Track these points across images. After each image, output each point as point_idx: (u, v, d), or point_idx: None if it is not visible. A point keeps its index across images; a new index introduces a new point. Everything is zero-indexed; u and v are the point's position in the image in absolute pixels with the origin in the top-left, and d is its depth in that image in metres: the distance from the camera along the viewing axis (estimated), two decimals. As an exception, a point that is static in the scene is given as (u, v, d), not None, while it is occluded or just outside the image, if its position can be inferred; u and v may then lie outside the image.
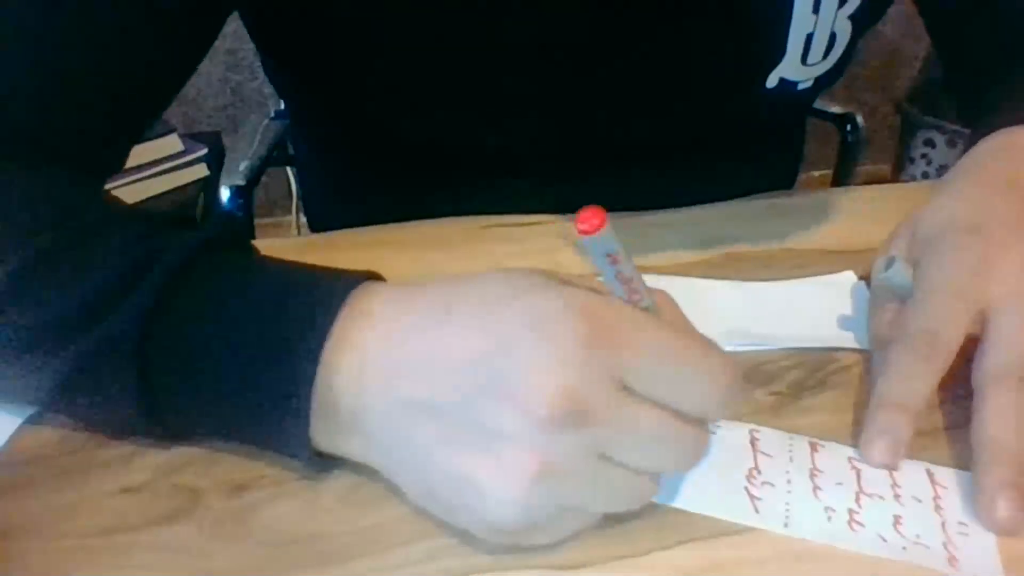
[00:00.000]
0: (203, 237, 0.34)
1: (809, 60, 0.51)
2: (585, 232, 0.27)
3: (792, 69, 0.51)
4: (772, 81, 0.52)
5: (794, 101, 0.54)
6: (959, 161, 0.46)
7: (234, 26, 0.51)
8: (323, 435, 0.32)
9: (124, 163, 0.49)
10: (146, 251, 0.33)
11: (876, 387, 0.36)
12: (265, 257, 0.36)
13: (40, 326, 0.32)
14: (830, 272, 0.47)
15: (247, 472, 0.34)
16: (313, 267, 0.34)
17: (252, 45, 0.55)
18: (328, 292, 0.32)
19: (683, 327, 0.32)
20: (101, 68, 0.43)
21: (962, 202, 0.42)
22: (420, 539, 0.31)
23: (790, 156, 0.73)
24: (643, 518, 0.32)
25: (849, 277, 0.47)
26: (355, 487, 0.33)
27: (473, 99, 0.52)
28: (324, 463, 0.33)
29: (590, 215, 0.27)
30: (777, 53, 0.51)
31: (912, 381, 0.35)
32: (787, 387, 0.39)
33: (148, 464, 0.35)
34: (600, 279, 0.30)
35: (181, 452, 0.35)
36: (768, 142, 0.66)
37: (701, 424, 0.30)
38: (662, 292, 0.32)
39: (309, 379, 0.30)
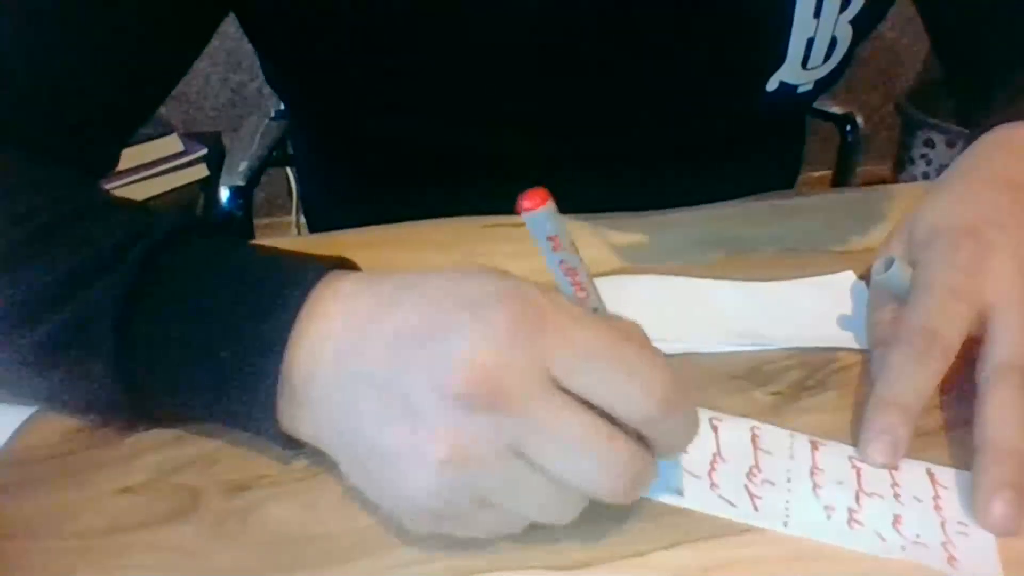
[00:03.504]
0: (187, 219, 0.35)
1: (809, 64, 0.51)
2: (526, 209, 0.27)
3: (792, 73, 0.51)
4: (772, 85, 0.52)
5: (794, 104, 0.54)
6: (956, 159, 0.46)
7: (234, 26, 0.51)
8: (284, 413, 0.32)
9: (116, 163, 0.49)
10: (131, 231, 0.34)
11: (875, 387, 0.36)
12: (245, 241, 0.37)
13: (25, 298, 0.33)
14: (830, 272, 0.47)
15: (247, 472, 0.34)
16: (289, 251, 0.35)
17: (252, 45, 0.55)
18: (301, 272, 0.33)
19: (631, 333, 0.30)
20: (93, 68, 0.43)
21: (958, 202, 0.42)
22: (420, 539, 0.31)
23: (790, 157, 0.73)
24: (643, 518, 0.32)
25: (849, 277, 0.47)
26: (355, 487, 0.33)
27: (473, 103, 0.52)
28: (294, 445, 0.33)
29: (533, 194, 0.27)
30: (778, 58, 0.51)
31: (911, 381, 0.35)
32: (787, 387, 0.39)
33: (148, 464, 0.35)
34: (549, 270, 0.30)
35: (181, 452, 0.35)
36: (768, 143, 0.66)
37: (641, 443, 0.28)
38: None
39: (277, 353, 0.31)
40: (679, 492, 0.33)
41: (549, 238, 0.28)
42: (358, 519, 0.32)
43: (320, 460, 0.34)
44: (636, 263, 0.48)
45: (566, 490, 0.28)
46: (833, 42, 0.50)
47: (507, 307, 0.28)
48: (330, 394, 0.31)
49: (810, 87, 0.53)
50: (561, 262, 0.29)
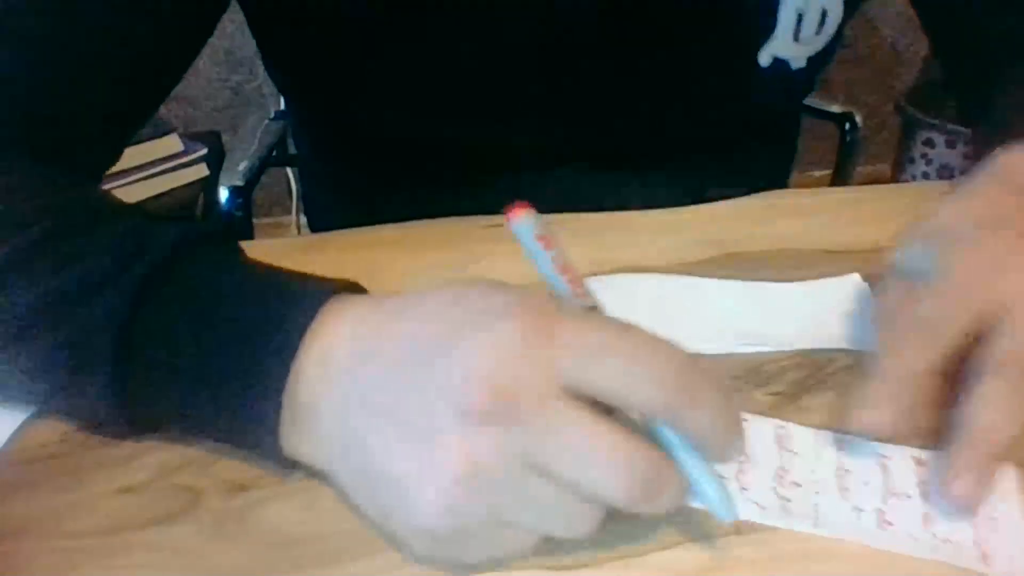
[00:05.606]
0: (188, 232, 0.34)
1: (802, 36, 0.52)
2: (511, 217, 0.29)
3: (784, 47, 0.52)
4: (765, 60, 0.53)
5: (788, 82, 0.55)
6: (979, 170, 0.45)
7: (234, 25, 0.51)
8: (287, 437, 0.32)
9: (117, 160, 0.49)
10: (132, 244, 0.34)
11: (877, 362, 0.35)
12: (249, 258, 0.36)
13: (24, 312, 0.33)
14: (830, 272, 0.47)
15: (247, 472, 0.34)
16: (294, 271, 0.34)
17: (252, 45, 0.55)
18: (306, 296, 0.32)
19: (634, 327, 0.30)
20: (94, 67, 0.43)
21: (985, 200, 0.41)
22: (420, 539, 0.31)
23: (784, 151, 0.73)
24: (643, 518, 0.32)
25: (854, 279, 0.46)
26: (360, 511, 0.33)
27: (472, 99, 0.52)
28: (295, 465, 0.33)
29: (516, 206, 0.29)
30: (768, 27, 0.51)
31: (911, 357, 0.35)
32: (787, 387, 0.39)
33: (148, 464, 0.35)
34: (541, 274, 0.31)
35: (181, 452, 0.35)
36: (763, 135, 0.66)
37: (658, 451, 0.28)
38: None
39: (280, 377, 0.31)
40: (732, 512, 0.29)
41: (539, 238, 0.29)
42: (357, 519, 0.32)
43: (320, 460, 0.34)
44: (635, 262, 0.48)
45: (581, 500, 0.27)
46: (824, 14, 0.51)
47: (514, 318, 0.28)
48: (335, 426, 0.30)
49: (803, 64, 0.54)
50: (554, 259, 0.29)
